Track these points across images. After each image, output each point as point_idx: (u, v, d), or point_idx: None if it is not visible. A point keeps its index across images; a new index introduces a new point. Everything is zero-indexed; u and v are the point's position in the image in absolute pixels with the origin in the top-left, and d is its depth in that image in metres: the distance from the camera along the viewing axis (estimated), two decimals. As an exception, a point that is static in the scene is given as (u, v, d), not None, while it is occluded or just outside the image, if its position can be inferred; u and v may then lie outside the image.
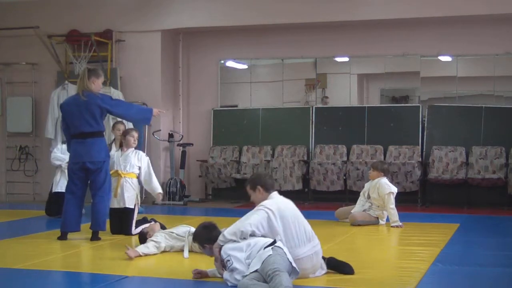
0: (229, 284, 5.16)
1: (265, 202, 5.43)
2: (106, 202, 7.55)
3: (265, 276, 4.90)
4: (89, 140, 7.45)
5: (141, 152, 8.23)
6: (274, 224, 5.31)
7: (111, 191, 7.71)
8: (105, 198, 7.54)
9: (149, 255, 6.57)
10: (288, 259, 5.09)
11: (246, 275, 4.99)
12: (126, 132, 8.27)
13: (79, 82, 7.51)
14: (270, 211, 5.32)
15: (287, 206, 5.48)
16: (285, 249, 5.16)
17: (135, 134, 8.15)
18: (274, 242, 5.16)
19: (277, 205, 5.40)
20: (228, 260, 5.16)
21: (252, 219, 5.29)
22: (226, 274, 5.21)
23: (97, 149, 7.45)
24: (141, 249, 6.60)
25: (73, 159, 7.61)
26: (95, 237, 7.49)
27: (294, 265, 5.12)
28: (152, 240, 6.77)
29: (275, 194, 5.59)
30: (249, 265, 5.07)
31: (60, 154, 9.91)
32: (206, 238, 5.48)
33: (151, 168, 8.20)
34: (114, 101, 7.68)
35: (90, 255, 6.73)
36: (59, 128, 11.82)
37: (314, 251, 5.46)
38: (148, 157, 8.28)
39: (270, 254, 5.00)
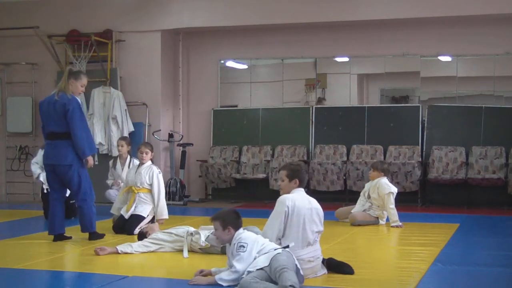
0: (226, 280, 5.15)
1: (286, 197, 5.49)
2: (89, 203, 7.46)
3: (272, 273, 4.93)
4: (56, 141, 7.36)
5: (154, 169, 8.16)
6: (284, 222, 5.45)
7: (93, 189, 7.59)
8: (87, 200, 7.45)
9: (134, 254, 6.57)
10: (295, 264, 5.11)
11: (250, 272, 5.02)
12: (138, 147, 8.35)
13: (60, 82, 7.48)
14: (287, 210, 5.40)
15: (304, 206, 5.50)
16: (294, 255, 5.18)
17: (144, 149, 8.17)
18: (287, 247, 5.22)
19: (294, 203, 5.44)
20: (242, 246, 5.17)
21: (273, 230, 5.42)
22: (221, 274, 5.21)
23: (63, 152, 7.32)
24: (123, 247, 6.60)
25: (44, 161, 7.59)
26: (92, 237, 7.45)
27: (301, 272, 5.15)
28: (149, 239, 6.78)
29: (300, 190, 5.61)
30: (254, 258, 5.11)
31: (36, 168, 9.77)
32: (232, 221, 5.35)
33: (161, 188, 8.10)
34: (76, 112, 7.27)
35: (90, 255, 6.72)
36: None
37: (313, 255, 5.49)
38: (160, 175, 8.16)
39: (279, 253, 5.06)
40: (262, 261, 5.06)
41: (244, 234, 5.30)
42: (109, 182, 9.99)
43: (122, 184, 9.43)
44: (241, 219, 5.41)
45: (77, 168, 7.36)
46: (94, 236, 7.47)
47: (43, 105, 7.48)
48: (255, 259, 5.13)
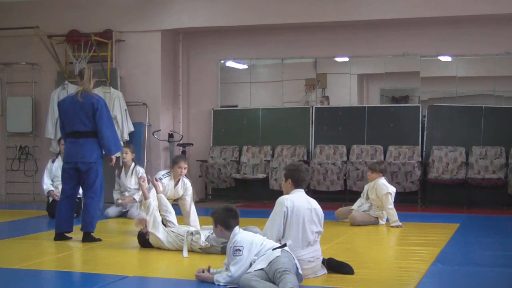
0: (221, 283, 5.16)
1: (285, 197, 5.51)
2: (96, 203, 7.48)
3: (272, 275, 4.94)
4: (81, 140, 7.42)
5: (186, 181, 7.84)
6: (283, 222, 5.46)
7: (103, 192, 7.64)
8: (95, 199, 7.48)
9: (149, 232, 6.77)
10: (295, 263, 5.12)
11: (249, 272, 5.02)
12: (174, 162, 7.93)
13: (85, 80, 7.46)
14: (286, 210, 5.41)
15: (303, 206, 5.50)
16: (293, 254, 5.18)
17: (183, 165, 7.77)
18: (284, 245, 5.21)
19: (293, 203, 5.45)
20: (238, 250, 5.16)
21: (273, 231, 5.43)
22: (218, 276, 5.21)
23: (89, 150, 7.41)
24: (154, 228, 6.77)
25: (65, 159, 7.62)
26: (86, 238, 7.39)
27: (300, 271, 5.14)
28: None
29: (299, 191, 5.61)
30: (254, 261, 5.11)
31: (47, 181, 9.78)
32: (221, 219, 5.37)
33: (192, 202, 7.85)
34: (104, 111, 7.40)
35: (90, 255, 6.73)
36: (59, 128, 11.82)
37: (313, 255, 5.50)
38: (190, 186, 7.87)
39: (279, 256, 5.05)
40: (261, 262, 5.06)
41: (240, 236, 5.26)
42: (116, 195, 9.80)
43: (127, 193, 9.42)
44: (236, 219, 5.37)
45: (98, 166, 7.47)
46: (89, 238, 7.39)
47: (64, 105, 7.53)
48: (254, 261, 5.11)
